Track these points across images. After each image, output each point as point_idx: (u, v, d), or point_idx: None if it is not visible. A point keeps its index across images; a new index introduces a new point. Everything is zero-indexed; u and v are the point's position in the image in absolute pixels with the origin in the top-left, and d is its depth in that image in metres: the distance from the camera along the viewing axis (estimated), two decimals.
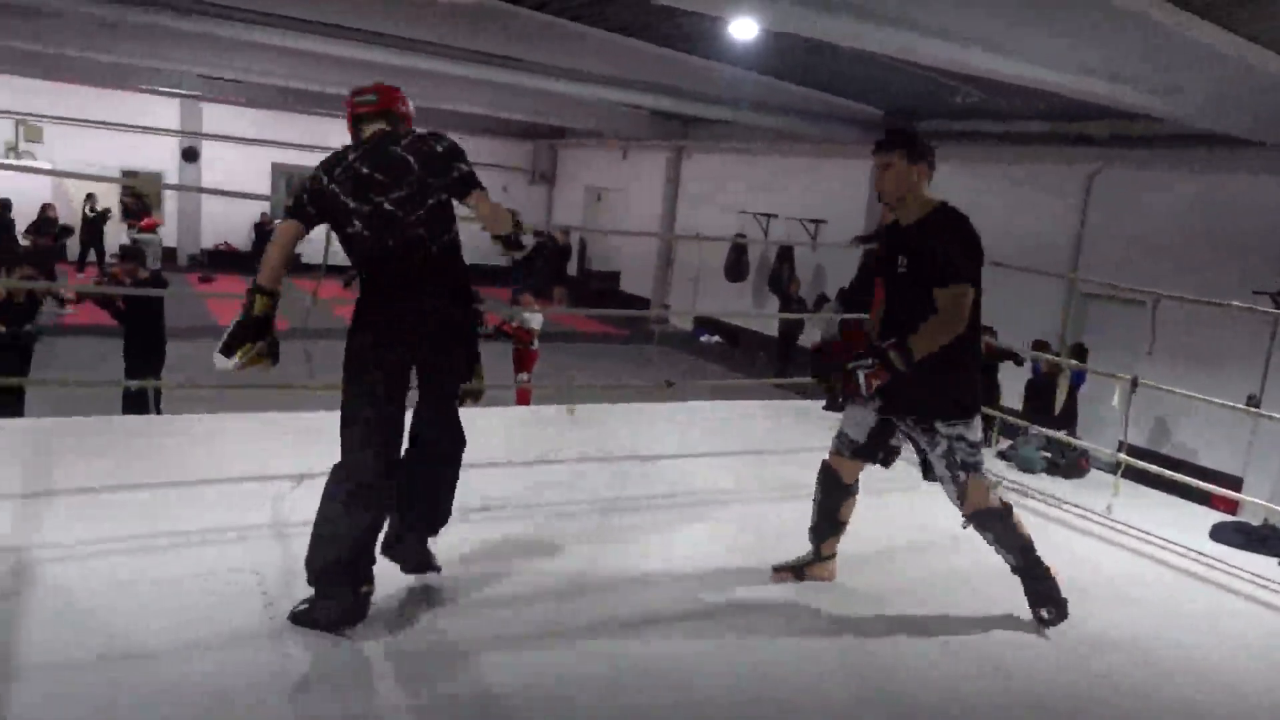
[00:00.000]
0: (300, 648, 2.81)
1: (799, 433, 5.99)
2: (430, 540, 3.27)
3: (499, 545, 3.69)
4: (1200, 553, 4.41)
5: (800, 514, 3.74)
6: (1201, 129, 9.02)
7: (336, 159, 3.07)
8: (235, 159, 20.05)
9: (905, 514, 4.53)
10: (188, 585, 3.09)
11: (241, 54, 12.50)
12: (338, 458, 2.97)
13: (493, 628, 3.06)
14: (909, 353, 3.15)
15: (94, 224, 17.26)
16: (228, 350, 2.91)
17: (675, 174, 18.86)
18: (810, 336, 14.66)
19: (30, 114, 17.95)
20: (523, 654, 2.93)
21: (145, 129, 19.30)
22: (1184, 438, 9.96)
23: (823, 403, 6.75)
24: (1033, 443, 5.74)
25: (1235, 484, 8.29)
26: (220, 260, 19.99)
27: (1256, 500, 5.51)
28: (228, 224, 20.47)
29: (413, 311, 2.99)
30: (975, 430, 3.33)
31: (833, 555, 3.67)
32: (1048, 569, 3.44)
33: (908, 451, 3.63)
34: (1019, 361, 8.08)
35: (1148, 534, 4.60)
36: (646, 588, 3.45)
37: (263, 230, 20.73)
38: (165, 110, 19.49)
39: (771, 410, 6.66)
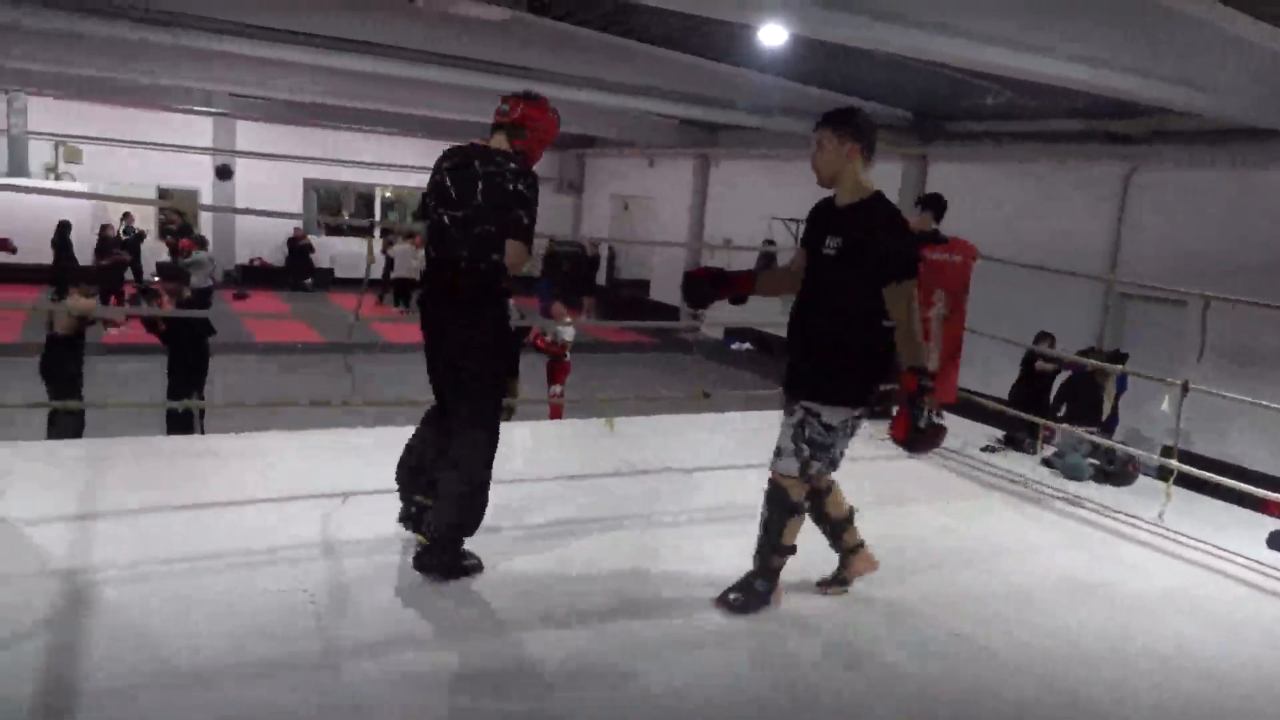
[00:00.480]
0: (356, 669, 2.82)
1: None
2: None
3: (534, 563, 3.67)
4: (1259, 562, 4.31)
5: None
6: (1242, 124, 8.86)
7: (446, 155, 3.38)
8: (268, 174, 20.34)
9: (966, 526, 4.47)
10: (241, 606, 3.11)
11: (272, 71, 12.67)
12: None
13: (527, 647, 3.05)
14: (923, 370, 3.11)
15: (131, 244, 17.57)
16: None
17: (703, 181, 18.86)
18: None
19: (69, 135, 18.31)
20: (559, 673, 2.91)
21: (180, 147, 19.62)
22: (1231, 442, 9.76)
23: None
24: (1080, 449, 5.65)
25: None
26: (254, 275, 20.24)
27: None
28: (262, 239, 20.74)
29: (429, 319, 3.38)
30: (833, 415, 3.19)
31: (860, 544, 3.52)
32: (777, 582, 3.36)
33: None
34: (1064, 367, 7.95)
35: (1203, 542, 4.51)
36: (687, 606, 3.40)
37: (295, 245, 21.01)
38: (199, 128, 19.81)
39: None
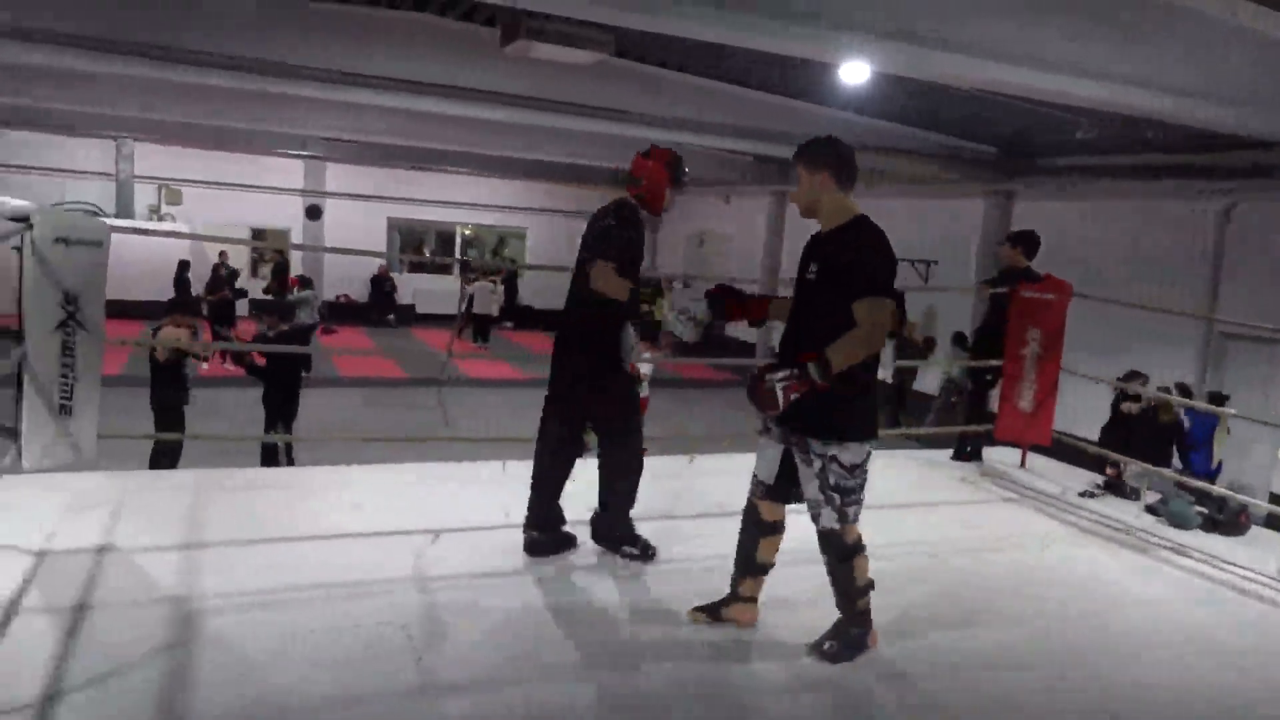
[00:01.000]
0: (456, 703, 2.84)
1: (927, 484, 5.79)
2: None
3: (625, 604, 3.65)
4: None
5: (926, 569, 3.57)
6: None
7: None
8: (354, 214, 21.08)
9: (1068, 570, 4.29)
10: (341, 640, 3.15)
11: (362, 116, 13.13)
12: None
13: (611, 687, 3.03)
14: (828, 364, 2.98)
15: (227, 282, 18.34)
16: None
17: (779, 217, 18.80)
18: (923, 383, 14.28)
19: (171, 179, 19.29)
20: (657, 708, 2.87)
21: (273, 189, 20.50)
22: None
23: (949, 452, 6.52)
24: (1184, 496, 5.39)
25: None
26: (340, 312, 20.88)
27: None
28: (348, 276, 21.43)
29: (556, 350, 3.88)
30: (852, 454, 3.11)
31: (752, 598, 3.44)
32: (869, 623, 3.31)
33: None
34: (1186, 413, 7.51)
35: None
36: (771, 649, 3.34)
37: (379, 283, 21.63)
38: (291, 170, 20.65)
39: (895, 461, 6.45)
